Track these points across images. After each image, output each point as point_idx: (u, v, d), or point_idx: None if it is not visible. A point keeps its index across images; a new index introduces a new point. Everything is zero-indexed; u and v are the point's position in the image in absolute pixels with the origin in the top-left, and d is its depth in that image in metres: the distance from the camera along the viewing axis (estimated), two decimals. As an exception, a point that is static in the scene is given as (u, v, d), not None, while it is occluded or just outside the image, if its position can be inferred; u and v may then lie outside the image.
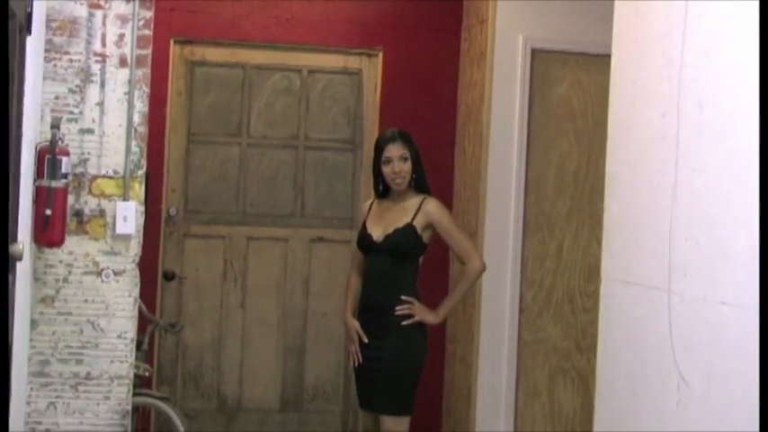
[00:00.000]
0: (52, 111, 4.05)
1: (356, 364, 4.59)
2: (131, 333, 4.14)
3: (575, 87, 5.62)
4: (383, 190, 4.64)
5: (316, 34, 5.96)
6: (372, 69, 6.05)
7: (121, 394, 4.11)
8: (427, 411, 5.74)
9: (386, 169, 4.57)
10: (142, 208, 4.18)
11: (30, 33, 3.43)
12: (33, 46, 3.62)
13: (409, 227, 4.51)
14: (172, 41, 5.82)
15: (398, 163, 4.55)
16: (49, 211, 3.81)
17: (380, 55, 6.01)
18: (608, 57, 3.72)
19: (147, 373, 4.73)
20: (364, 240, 4.61)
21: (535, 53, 5.59)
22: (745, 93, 2.85)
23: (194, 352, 5.96)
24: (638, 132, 3.46)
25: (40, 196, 3.83)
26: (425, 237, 4.54)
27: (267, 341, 6.03)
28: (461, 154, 5.93)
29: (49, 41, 4.06)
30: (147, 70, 4.17)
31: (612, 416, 3.51)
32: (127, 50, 4.13)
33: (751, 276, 2.75)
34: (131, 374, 4.16)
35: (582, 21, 5.46)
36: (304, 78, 6.04)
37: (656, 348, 3.22)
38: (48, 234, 3.86)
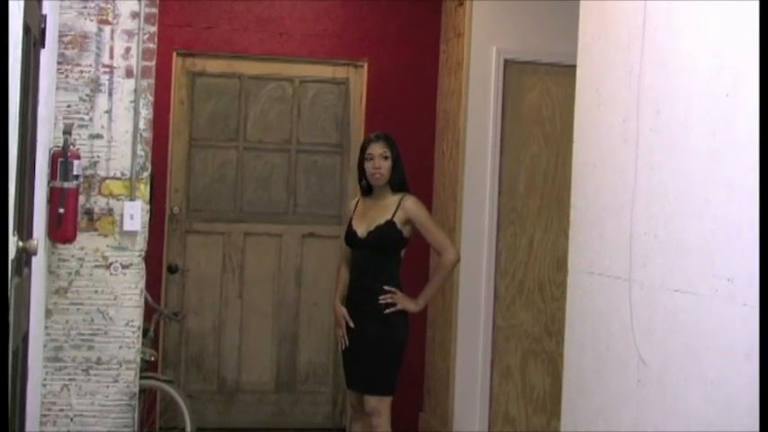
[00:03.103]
0: (64, 118, 4.04)
1: (343, 347, 4.59)
2: (138, 321, 4.13)
3: (544, 95, 5.62)
4: (366, 187, 4.65)
5: (306, 47, 5.95)
6: (358, 79, 6.04)
7: (129, 377, 4.11)
8: (409, 392, 5.75)
9: (368, 165, 4.58)
10: (147, 207, 4.17)
11: (43, 47, 3.42)
12: (47, 59, 3.61)
13: (390, 223, 4.51)
14: (174, 54, 5.80)
15: (379, 159, 4.56)
16: (62, 210, 3.80)
17: (366, 66, 6.00)
18: (574, 67, 3.73)
19: (152, 358, 4.72)
20: (350, 236, 4.61)
21: (508, 64, 5.59)
22: (697, 99, 2.86)
23: (196, 338, 5.95)
24: (601, 136, 3.47)
25: (54, 196, 3.82)
26: (405, 232, 4.55)
27: (263, 328, 6.02)
28: (440, 156, 5.93)
29: (61, 54, 4.05)
30: (152, 80, 4.17)
31: (579, 394, 3.52)
32: (133, 62, 4.12)
33: (702, 266, 2.77)
34: (138, 359, 4.15)
35: (551, 34, 5.46)
36: (296, 88, 6.03)
37: (619, 332, 3.23)
38: (61, 231, 3.86)
